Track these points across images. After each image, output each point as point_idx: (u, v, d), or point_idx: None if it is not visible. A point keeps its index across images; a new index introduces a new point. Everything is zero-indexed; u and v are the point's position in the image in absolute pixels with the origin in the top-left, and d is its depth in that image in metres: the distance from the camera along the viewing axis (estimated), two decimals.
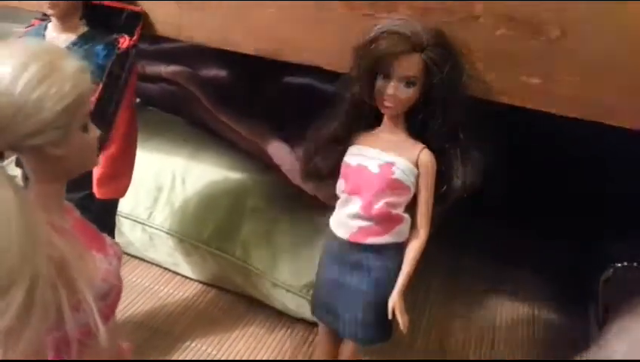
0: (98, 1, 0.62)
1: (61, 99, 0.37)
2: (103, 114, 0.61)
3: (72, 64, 0.40)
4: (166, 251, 0.85)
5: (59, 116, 0.38)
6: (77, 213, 0.46)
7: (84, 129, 0.41)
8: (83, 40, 0.61)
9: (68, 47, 0.61)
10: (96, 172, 0.62)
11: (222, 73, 0.86)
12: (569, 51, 0.48)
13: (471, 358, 0.76)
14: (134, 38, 0.62)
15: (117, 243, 0.47)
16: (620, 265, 0.72)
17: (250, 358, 0.74)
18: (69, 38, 0.61)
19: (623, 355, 0.58)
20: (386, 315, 0.55)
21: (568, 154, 0.82)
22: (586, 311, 0.77)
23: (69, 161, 0.41)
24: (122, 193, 0.66)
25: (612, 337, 0.62)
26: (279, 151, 0.74)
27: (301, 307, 0.76)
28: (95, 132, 0.42)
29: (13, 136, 0.36)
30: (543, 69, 0.49)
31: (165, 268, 0.88)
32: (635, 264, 0.71)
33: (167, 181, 0.85)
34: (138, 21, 0.62)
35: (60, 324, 0.37)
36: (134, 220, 0.85)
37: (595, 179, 0.82)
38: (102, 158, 0.62)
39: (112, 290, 0.43)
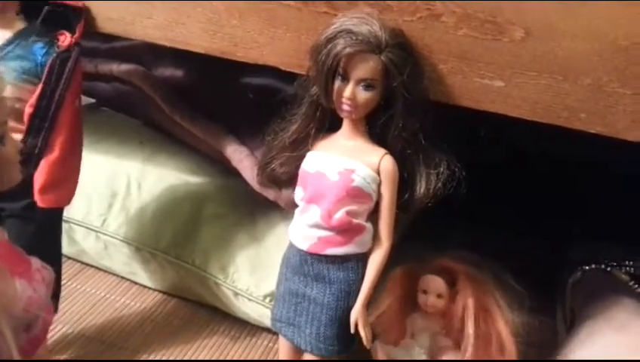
0: None
1: None
2: (43, 116, 0.57)
3: None
4: (122, 260, 0.81)
5: None
6: (1, 234, 0.42)
7: (1, 141, 0.37)
8: (20, 37, 0.57)
9: (4, 44, 0.57)
10: (38, 179, 0.58)
11: (178, 72, 0.82)
12: (534, 53, 0.46)
13: None
14: (76, 35, 0.58)
15: (46, 267, 0.43)
16: (588, 267, 0.71)
17: None
18: (4, 34, 0.57)
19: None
20: (349, 328, 0.52)
21: (538, 154, 0.81)
22: (554, 313, 0.77)
23: None
24: (67, 201, 0.62)
25: (579, 342, 0.61)
26: (236, 155, 0.71)
27: (264, 316, 0.73)
28: (14, 145, 0.38)
29: None
30: (506, 71, 0.47)
31: (122, 277, 0.85)
32: (604, 267, 0.70)
33: (121, 186, 0.81)
34: (79, 17, 0.58)
35: None
36: (87, 227, 0.80)
37: (566, 180, 0.82)
38: (44, 164, 0.58)
39: (37, 321, 0.39)
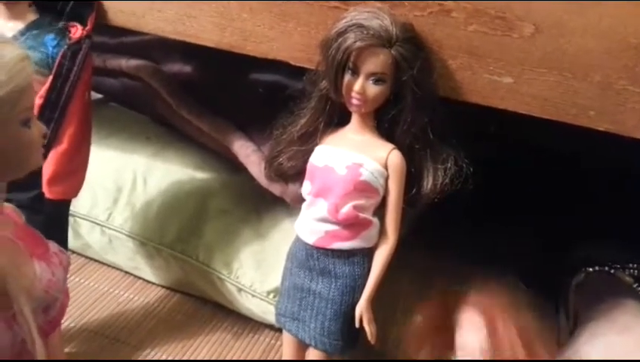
0: None
1: None
2: (52, 108, 0.57)
3: (11, 52, 0.36)
4: (126, 254, 0.81)
5: None
6: (19, 217, 0.43)
7: (25, 124, 0.37)
8: (32, 28, 0.58)
9: (15, 36, 0.57)
10: (46, 170, 0.59)
11: (186, 68, 0.82)
12: (544, 50, 0.46)
13: None
14: (87, 27, 0.58)
15: (64, 252, 0.43)
16: (592, 269, 0.71)
17: None
18: (16, 25, 0.57)
19: None
20: (353, 323, 0.52)
21: (544, 153, 0.81)
22: (557, 315, 0.76)
23: (5, 158, 0.38)
24: (74, 193, 0.62)
25: (582, 344, 0.61)
26: (244, 150, 0.71)
27: (267, 313, 0.73)
28: (39, 129, 0.39)
29: None
30: (516, 67, 0.47)
31: (126, 272, 0.84)
32: (607, 269, 0.70)
33: (127, 181, 0.81)
34: (91, 9, 0.59)
35: None
36: (93, 221, 0.81)
37: (571, 181, 0.82)
38: (52, 156, 0.59)
39: (55, 303, 0.40)
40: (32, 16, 0.58)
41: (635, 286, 0.67)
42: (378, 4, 0.48)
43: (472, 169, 0.51)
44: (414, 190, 0.52)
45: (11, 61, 0.36)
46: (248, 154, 0.71)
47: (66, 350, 0.71)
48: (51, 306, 0.40)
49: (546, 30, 0.45)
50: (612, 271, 0.70)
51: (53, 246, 0.44)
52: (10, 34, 0.57)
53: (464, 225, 0.78)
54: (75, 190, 0.62)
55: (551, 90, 0.47)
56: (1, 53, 0.35)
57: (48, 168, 0.59)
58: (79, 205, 0.79)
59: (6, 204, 0.44)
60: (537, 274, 0.83)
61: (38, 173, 0.58)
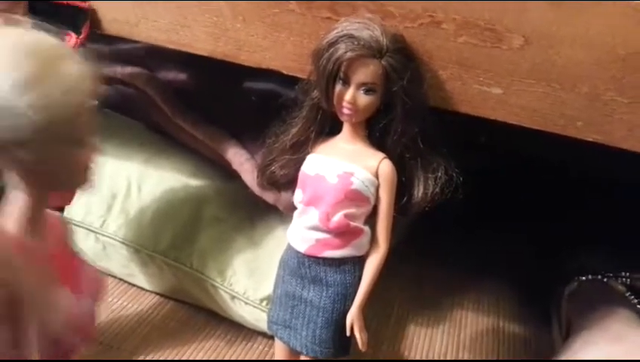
0: None
1: (50, 109, 0.32)
2: None
3: (75, 67, 0.34)
4: (120, 261, 0.81)
5: (43, 129, 0.32)
6: (65, 230, 0.40)
7: (78, 143, 0.35)
8: None
9: None
10: None
11: (181, 76, 0.83)
12: (533, 61, 0.46)
13: None
14: (81, 36, 0.58)
15: (100, 280, 0.41)
16: (584, 278, 0.71)
17: None
18: None
19: None
20: (345, 331, 0.53)
21: (536, 162, 0.82)
22: (550, 323, 0.77)
23: (51, 177, 0.35)
24: (68, 200, 0.62)
25: (575, 352, 0.61)
26: (237, 158, 0.72)
27: (260, 320, 0.73)
28: (93, 150, 0.36)
29: None
30: (505, 78, 0.48)
31: (120, 279, 0.84)
32: (600, 277, 0.70)
33: (122, 188, 0.81)
34: (85, 18, 0.59)
35: None
36: (87, 228, 0.80)
37: (563, 190, 0.82)
38: None
39: (68, 339, 0.37)
40: (26, 25, 0.59)
41: (627, 294, 0.68)
42: (369, 15, 0.49)
43: (462, 178, 0.51)
44: (405, 199, 0.53)
45: (70, 80, 0.33)
46: (242, 162, 0.71)
47: None
48: (62, 341, 0.36)
49: (535, 42, 0.45)
50: (605, 279, 0.70)
51: (90, 270, 0.42)
52: None
53: (456, 234, 0.78)
54: (69, 197, 0.62)
55: (539, 101, 0.47)
56: (62, 68, 0.33)
57: None
58: (73, 212, 0.79)
59: (56, 214, 0.42)
60: (530, 283, 0.84)
61: None
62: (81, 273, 0.40)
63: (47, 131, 0.32)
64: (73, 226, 0.81)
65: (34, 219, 0.36)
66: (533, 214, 0.81)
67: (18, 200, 0.36)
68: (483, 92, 0.49)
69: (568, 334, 0.67)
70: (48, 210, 0.40)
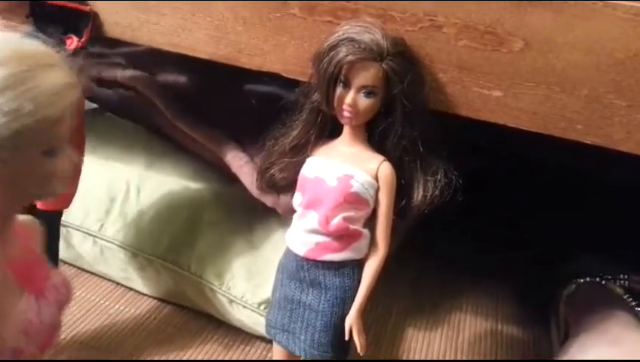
0: (45, 0, 0.59)
1: (19, 117, 0.32)
2: None
3: (57, 77, 0.34)
4: (118, 265, 0.81)
5: (12, 135, 0.32)
6: (33, 234, 0.40)
7: (49, 154, 0.35)
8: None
9: None
10: None
11: (181, 79, 0.83)
12: (533, 65, 0.47)
13: None
14: (83, 39, 0.58)
15: (66, 285, 0.40)
16: (582, 280, 0.71)
17: None
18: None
19: None
20: (343, 335, 0.52)
21: (535, 165, 0.82)
22: (548, 326, 0.77)
23: (21, 184, 0.35)
24: (66, 204, 0.62)
25: (573, 355, 0.61)
26: (236, 161, 0.72)
27: (258, 324, 0.73)
28: (67, 161, 0.36)
29: None
30: (505, 81, 0.48)
31: (117, 283, 0.84)
32: (598, 280, 0.70)
33: (120, 191, 0.81)
34: (87, 22, 0.59)
35: None
36: (84, 232, 0.80)
37: (562, 193, 0.82)
38: None
39: (20, 354, 0.36)
40: (27, 29, 0.59)
41: (625, 297, 0.68)
42: (370, 19, 0.49)
43: (461, 181, 0.51)
44: (404, 201, 0.53)
45: (46, 91, 0.33)
46: (241, 165, 0.71)
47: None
48: (19, 350, 0.35)
49: (535, 45, 0.46)
50: (603, 281, 0.71)
51: (57, 276, 0.41)
52: None
53: (454, 237, 0.78)
54: (68, 201, 0.62)
55: (539, 104, 0.47)
56: (45, 77, 0.33)
57: None
58: (71, 216, 0.79)
59: (23, 218, 0.41)
60: (528, 286, 0.84)
61: None
62: (47, 279, 0.39)
63: (16, 139, 0.32)
64: (71, 230, 0.81)
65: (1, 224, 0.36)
66: (532, 217, 0.81)
67: None
68: (483, 95, 0.49)
69: (566, 337, 0.67)
70: (19, 215, 0.40)
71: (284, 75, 0.56)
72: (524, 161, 0.80)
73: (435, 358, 0.77)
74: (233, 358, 0.74)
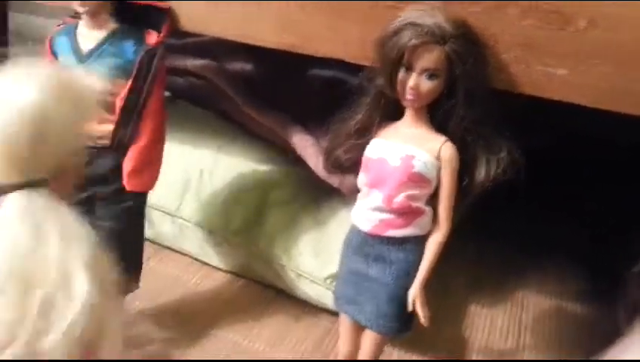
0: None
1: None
2: (132, 109, 0.62)
3: (72, 114, 0.40)
4: (195, 242, 0.87)
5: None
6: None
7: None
8: (113, 36, 0.63)
9: (99, 43, 0.63)
10: (127, 165, 0.64)
11: (248, 66, 0.87)
12: (598, 41, 0.46)
13: (495, 349, 0.76)
14: (162, 34, 0.63)
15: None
16: None
17: (275, 345, 0.75)
18: (100, 34, 0.63)
19: None
20: (407, 307, 0.55)
21: (601, 139, 0.79)
22: (616, 305, 0.75)
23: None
24: (151, 185, 0.68)
25: (634, 338, 0.60)
26: (303, 143, 0.75)
27: (324, 297, 0.76)
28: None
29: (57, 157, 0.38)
30: (570, 60, 0.48)
31: (195, 258, 0.90)
32: None
33: (195, 174, 0.87)
34: (165, 17, 0.64)
35: None
36: (164, 211, 0.87)
37: (631, 167, 0.79)
38: (132, 151, 0.64)
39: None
40: (112, 26, 0.64)
41: None
42: (433, 1, 0.50)
43: (525, 159, 0.52)
44: (467, 180, 0.54)
45: (62, 120, 0.39)
46: (306, 146, 0.74)
47: (135, 332, 0.74)
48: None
49: (601, 22, 0.45)
50: None
51: None
52: (94, 42, 0.63)
53: (519, 214, 0.78)
54: (152, 182, 0.68)
55: (605, 81, 0.47)
56: (63, 106, 0.38)
57: (128, 163, 0.64)
58: (152, 196, 0.84)
59: None
60: (595, 263, 0.82)
61: (119, 169, 0.64)
62: None
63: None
64: (151, 210, 0.87)
65: None
66: (600, 193, 0.79)
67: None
68: (547, 73, 0.49)
69: (633, 317, 0.66)
70: None
71: (347, 60, 0.58)
72: (590, 140, 0.78)
73: (497, 334, 0.77)
74: (301, 328, 0.78)
